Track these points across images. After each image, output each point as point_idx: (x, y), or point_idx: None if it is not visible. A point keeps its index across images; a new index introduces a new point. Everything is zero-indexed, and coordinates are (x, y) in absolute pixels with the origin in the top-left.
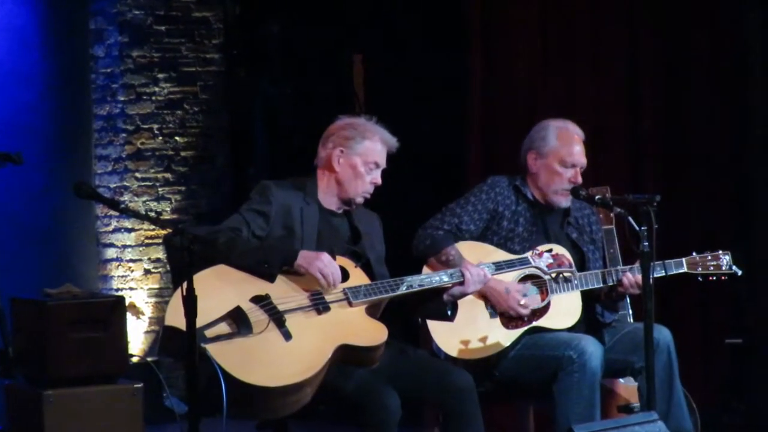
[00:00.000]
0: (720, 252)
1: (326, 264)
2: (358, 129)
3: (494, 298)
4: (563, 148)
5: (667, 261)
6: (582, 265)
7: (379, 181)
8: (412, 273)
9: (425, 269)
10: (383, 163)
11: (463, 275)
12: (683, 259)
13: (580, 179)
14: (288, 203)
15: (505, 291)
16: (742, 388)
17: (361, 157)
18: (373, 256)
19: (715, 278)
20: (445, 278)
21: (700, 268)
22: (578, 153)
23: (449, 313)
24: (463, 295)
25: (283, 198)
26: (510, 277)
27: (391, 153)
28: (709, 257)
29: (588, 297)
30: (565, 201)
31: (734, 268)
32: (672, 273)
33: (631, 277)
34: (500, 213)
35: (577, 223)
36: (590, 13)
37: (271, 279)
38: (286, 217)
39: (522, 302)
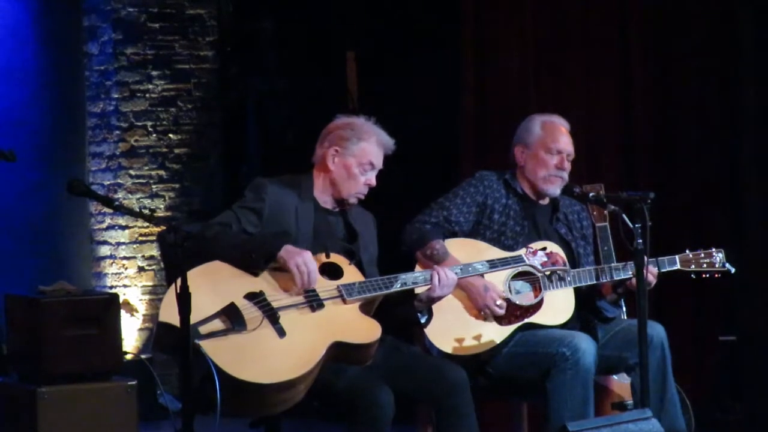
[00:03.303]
0: (713, 249)
1: (305, 262)
2: (355, 129)
3: (472, 296)
4: (548, 137)
5: (660, 258)
6: (571, 260)
7: (373, 182)
8: (404, 270)
9: (418, 267)
10: (379, 165)
11: (431, 278)
12: (676, 257)
13: (567, 165)
14: (282, 201)
15: (483, 289)
16: (735, 385)
17: (355, 158)
18: (365, 258)
19: (708, 276)
20: None
21: (693, 266)
22: (564, 141)
23: (423, 320)
24: (431, 299)
25: (277, 195)
26: (503, 274)
27: (388, 155)
28: (702, 255)
29: (589, 293)
30: (553, 188)
31: (727, 265)
32: (665, 270)
33: (653, 269)
34: (490, 206)
35: (566, 219)
36: (582, 9)
37: (255, 271)
38: (280, 215)
39: (498, 302)
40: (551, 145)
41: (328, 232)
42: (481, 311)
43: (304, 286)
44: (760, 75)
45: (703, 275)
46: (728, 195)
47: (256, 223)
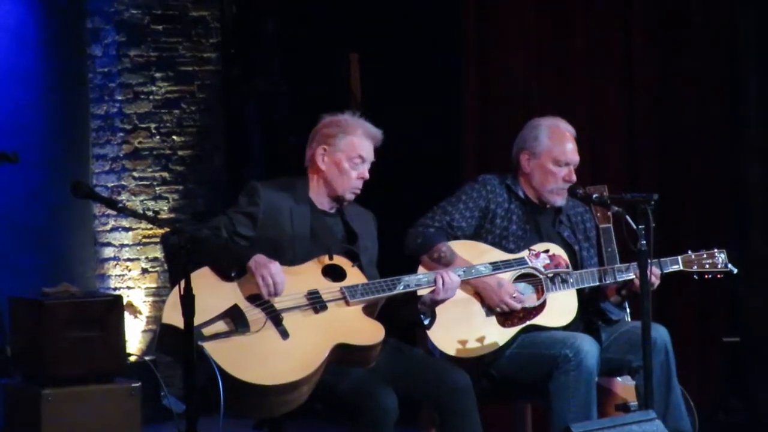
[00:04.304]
0: (715, 250)
1: (272, 273)
2: (341, 125)
3: (486, 293)
4: (556, 148)
5: (662, 259)
6: (575, 263)
7: (366, 175)
8: (406, 272)
9: (420, 269)
10: (370, 157)
11: (434, 281)
12: (679, 257)
13: (574, 177)
14: (277, 204)
15: (497, 285)
16: (739, 386)
17: (344, 153)
18: (365, 259)
19: (710, 276)
20: None
21: (695, 266)
22: (571, 151)
23: (426, 322)
24: (434, 302)
25: (271, 199)
26: (506, 276)
27: (377, 146)
28: (705, 255)
29: (593, 296)
30: (560, 199)
31: (730, 266)
32: (668, 271)
33: (657, 270)
34: (492, 211)
35: (569, 222)
36: (584, 9)
37: (227, 278)
38: (276, 218)
39: (515, 295)
40: (560, 157)
41: (326, 233)
42: (497, 308)
43: (270, 296)
44: (761, 75)
45: (706, 276)
46: (730, 195)
47: (251, 228)
